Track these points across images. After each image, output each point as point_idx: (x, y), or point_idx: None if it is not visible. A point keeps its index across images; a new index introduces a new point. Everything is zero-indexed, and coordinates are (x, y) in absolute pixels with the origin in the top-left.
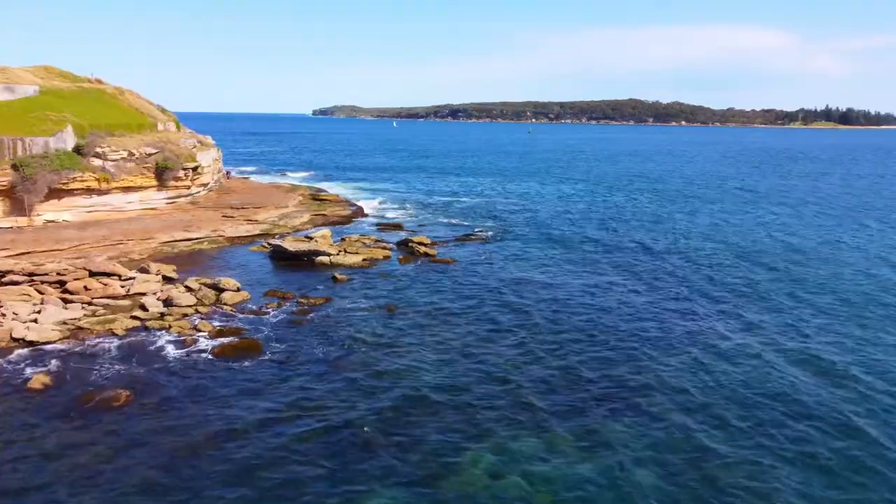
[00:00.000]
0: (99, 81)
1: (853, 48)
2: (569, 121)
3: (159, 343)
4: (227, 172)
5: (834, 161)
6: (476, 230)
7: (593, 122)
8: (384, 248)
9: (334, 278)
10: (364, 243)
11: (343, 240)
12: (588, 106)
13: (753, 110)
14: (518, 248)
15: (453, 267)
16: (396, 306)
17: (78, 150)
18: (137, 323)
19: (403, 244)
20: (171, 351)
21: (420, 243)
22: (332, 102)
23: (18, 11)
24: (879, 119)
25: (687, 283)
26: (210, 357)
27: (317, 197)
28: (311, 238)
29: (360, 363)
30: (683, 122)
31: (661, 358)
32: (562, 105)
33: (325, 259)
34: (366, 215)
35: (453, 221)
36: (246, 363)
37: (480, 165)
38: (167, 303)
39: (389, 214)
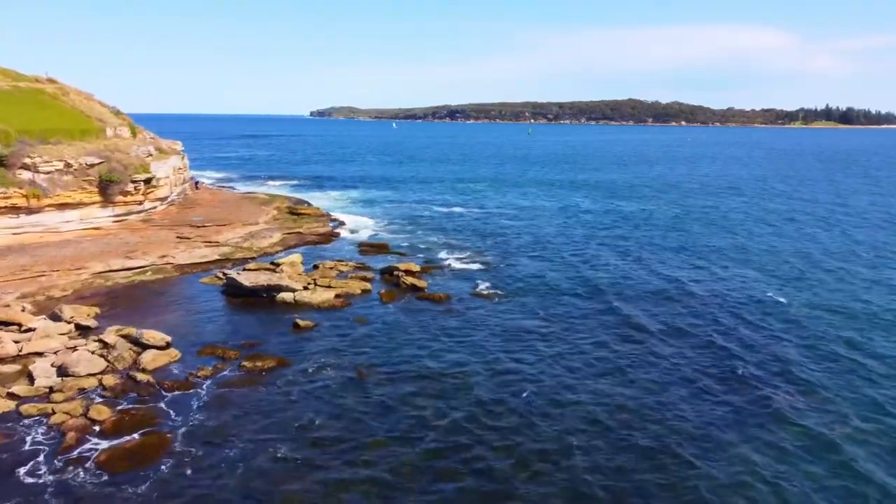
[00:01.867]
0: (51, 81)
1: (852, 48)
2: (568, 121)
3: (27, 445)
4: (196, 182)
5: None
6: (473, 254)
7: (592, 123)
8: (364, 277)
9: (296, 325)
10: (340, 271)
11: (316, 267)
12: (587, 106)
13: (753, 110)
14: (520, 280)
15: (444, 306)
16: (369, 370)
17: (1, 160)
18: (11, 405)
19: (388, 273)
20: (38, 461)
21: (407, 272)
22: (329, 104)
23: (19, 11)
24: (880, 118)
25: (744, 352)
26: (91, 472)
27: (294, 211)
28: (276, 266)
29: (310, 484)
30: (683, 123)
31: (707, 468)
32: (561, 105)
33: (288, 296)
34: (349, 232)
35: (448, 241)
36: (138, 482)
37: (480, 172)
38: (63, 370)
39: (376, 231)
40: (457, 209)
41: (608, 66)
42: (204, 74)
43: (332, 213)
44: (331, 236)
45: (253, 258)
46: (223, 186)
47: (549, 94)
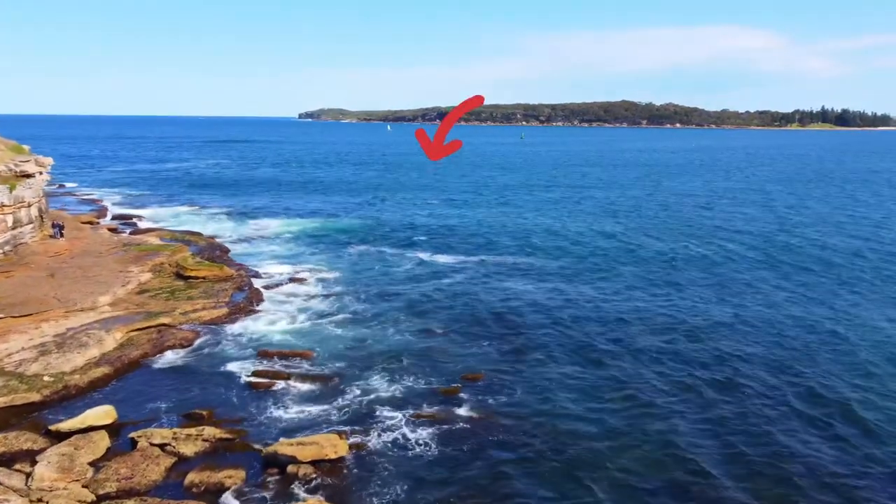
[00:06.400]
0: None
1: (845, 48)
2: (560, 123)
3: None
4: (57, 226)
5: None
6: (457, 386)
7: (585, 125)
8: (219, 486)
9: None
10: (180, 457)
11: (135, 444)
12: (580, 108)
13: (748, 112)
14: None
15: None
16: None
17: None
18: None
19: (276, 467)
20: None
21: (317, 465)
22: (318, 105)
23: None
24: (876, 120)
25: None
26: None
27: (184, 271)
28: (35, 459)
29: None
30: (678, 125)
31: None
32: (553, 107)
33: None
34: (261, 314)
35: (419, 342)
36: None
37: (477, 200)
38: None
39: (305, 311)
40: (442, 259)
41: (600, 68)
42: (199, 77)
43: (250, 270)
44: (224, 323)
45: (34, 404)
46: (119, 217)
47: (540, 96)
